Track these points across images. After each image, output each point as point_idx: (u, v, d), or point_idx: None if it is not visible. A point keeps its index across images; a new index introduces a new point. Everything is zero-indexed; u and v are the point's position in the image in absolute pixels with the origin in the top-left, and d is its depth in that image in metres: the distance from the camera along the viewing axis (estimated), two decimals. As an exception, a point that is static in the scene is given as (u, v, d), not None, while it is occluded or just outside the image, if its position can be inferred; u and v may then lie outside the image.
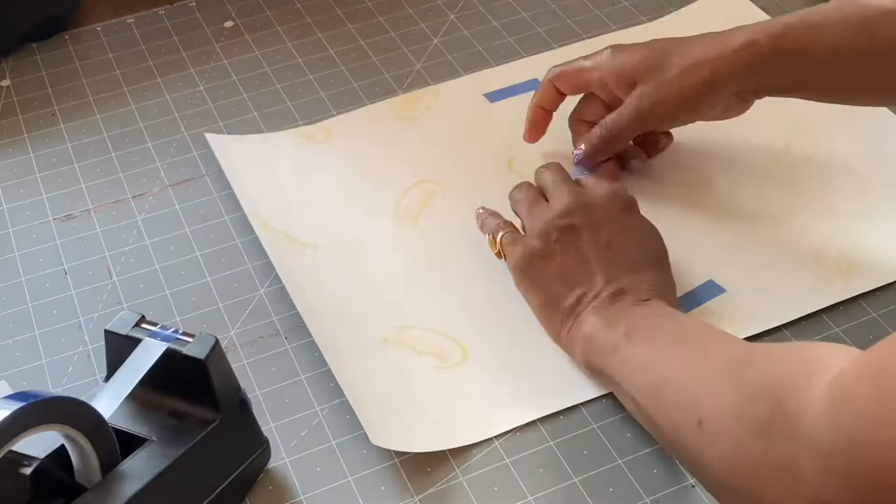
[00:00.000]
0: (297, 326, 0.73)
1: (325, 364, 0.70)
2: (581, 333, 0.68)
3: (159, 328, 0.60)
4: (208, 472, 0.61)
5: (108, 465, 0.57)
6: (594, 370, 0.67)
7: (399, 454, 0.66)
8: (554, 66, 0.82)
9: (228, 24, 1.01)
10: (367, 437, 0.66)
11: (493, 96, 0.91)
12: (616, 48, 0.80)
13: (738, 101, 0.78)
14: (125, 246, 0.80)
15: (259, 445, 0.65)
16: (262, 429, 0.65)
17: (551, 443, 0.67)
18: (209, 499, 0.61)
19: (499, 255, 0.75)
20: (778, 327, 0.72)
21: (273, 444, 0.66)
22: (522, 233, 0.74)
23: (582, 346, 0.68)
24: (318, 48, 0.98)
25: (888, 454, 0.44)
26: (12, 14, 0.96)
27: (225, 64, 0.97)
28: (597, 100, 0.81)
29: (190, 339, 0.59)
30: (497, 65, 0.95)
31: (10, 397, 0.52)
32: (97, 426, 0.56)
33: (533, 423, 0.68)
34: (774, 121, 0.87)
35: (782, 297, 0.74)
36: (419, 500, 0.64)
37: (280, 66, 0.96)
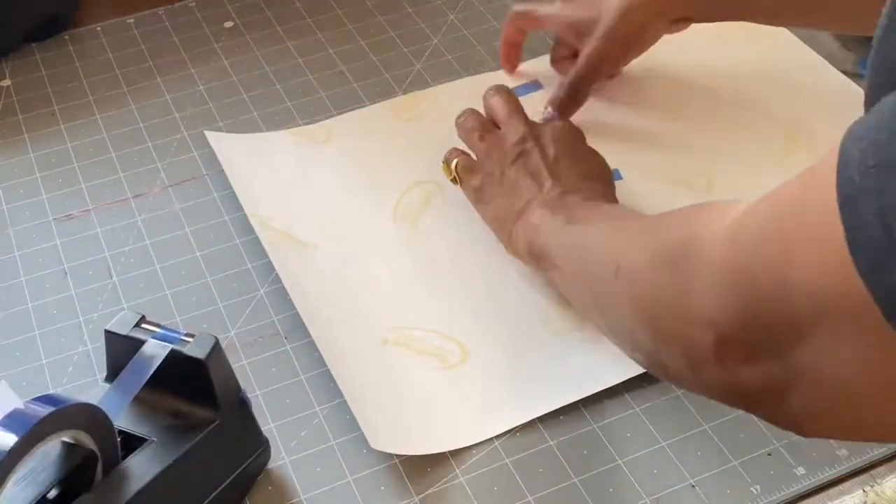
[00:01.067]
0: (297, 326, 0.73)
1: (325, 364, 0.70)
2: (529, 224, 0.72)
3: (159, 328, 0.60)
4: (208, 472, 0.61)
5: (109, 465, 0.57)
6: (535, 254, 0.71)
7: (399, 454, 0.66)
8: (514, 8, 0.90)
9: (228, 24, 1.01)
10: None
11: None
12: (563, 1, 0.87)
13: (676, 27, 0.84)
14: (125, 246, 0.80)
15: (259, 445, 0.65)
16: (262, 429, 0.65)
17: (551, 443, 0.67)
18: (209, 499, 0.61)
19: (454, 180, 0.79)
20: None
21: (273, 444, 0.66)
22: (474, 157, 0.79)
23: (526, 235, 0.72)
24: (318, 48, 0.98)
25: (768, 272, 0.46)
26: (12, 14, 0.96)
27: (225, 64, 0.97)
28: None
29: (190, 339, 0.59)
30: (497, 65, 0.95)
31: (34, 401, 0.52)
32: (105, 429, 0.56)
33: (533, 422, 0.68)
34: (774, 121, 0.87)
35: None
36: (419, 500, 0.64)
37: (280, 66, 0.96)
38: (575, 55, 0.87)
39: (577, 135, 0.79)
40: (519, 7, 0.90)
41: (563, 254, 0.69)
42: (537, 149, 0.75)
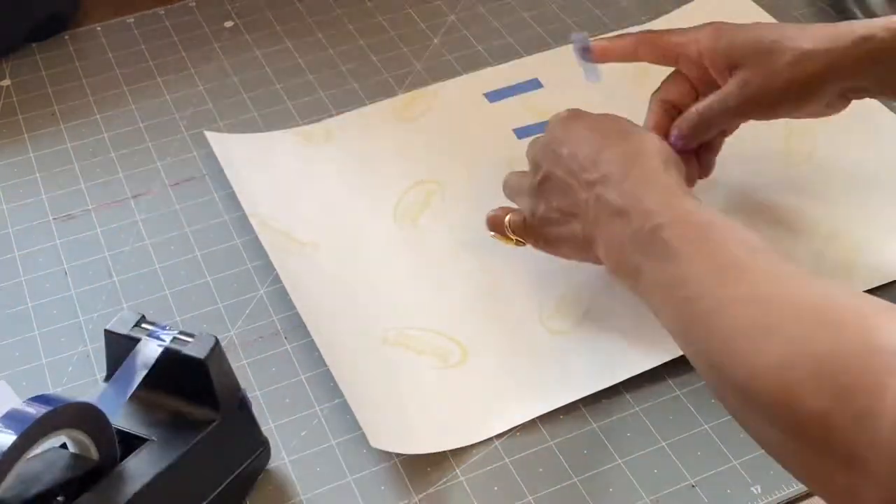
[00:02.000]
0: (297, 326, 0.73)
1: (325, 364, 0.70)
2: (602, 251, 0.66)
3: (159, 328, 0.60)
4: (208, 472, 0.61)
5: (108, 464, 0.57)
6: (627, 276, 0.64)
7: (399, 454, 0.66)
8: (645, 31, 0.77)
9: (228, 24, 1.01)
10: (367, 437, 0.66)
11: (493, 96, 0.91)
12: (718, 25, 0.73)
13: (839, 100, 0.72)
14: (125, 246, 0.80)
15: (259, 445, 0.65)
16: (262, 429, 0.65)
17: (551, 443, 0.67)
18: (209, 499, 0.61)
19: (518, 243, 0.74)
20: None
21: (273, 444, 0.66)
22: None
23: (609, 262, 0.66)
24: (318, 48, 0.98)
25: None
26: (12, 14, 0.96)
27: (225, 64, 0.97)
28: (685, 80, 0.75)
29: (190, 339, 0.59)
30: (497, 65, 0.95)
31: (31, 401, 0.52)
32: (103, 429, 0.56)
33: (533, 422, 0.68)
34: (774, 121, 0.87)
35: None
36: (419, 500, 0.64)
37: (280, 66, 0.96)
38: (688, 91, 0.75)
39: (569, 117, 0.71)
40: (654, 31, 0.76)
41: (661, 295, 0.60)
42: (551, 164, 0.69)
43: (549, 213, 0.70)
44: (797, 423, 0.47)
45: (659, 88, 0.76)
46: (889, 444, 0.43)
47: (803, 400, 0.47)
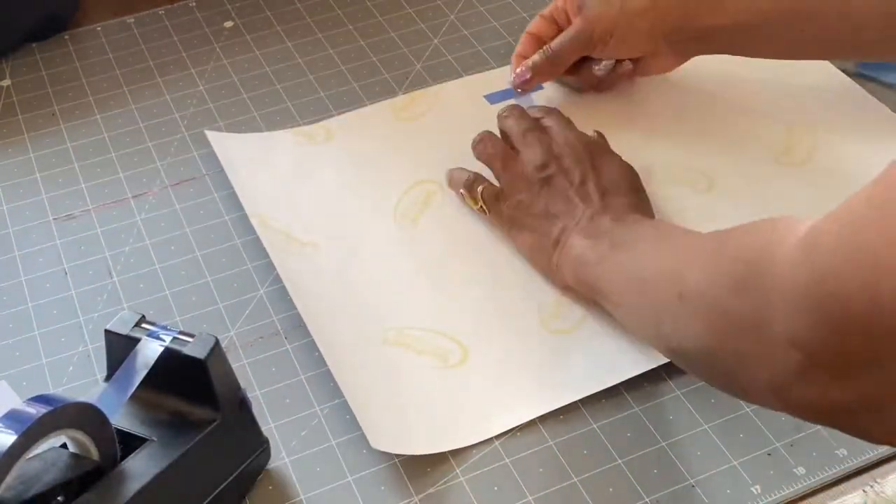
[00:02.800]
0: (297, 326, 0.73)
1: (325, 364, 0.70)
2: (570, 256, 0.71)
3: (159, 328, 0.60)
4: (208, 471, 0.61)
5: (108, 464, 0.57)
6: (584, 285, 0.71)
7: (399, 454, 0.66)
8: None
9: (228, 24, 1.01)
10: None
11: (494, 97, 0.91)
12: None
13: (669, 48, 0.84)
14: (125, 246, 0.80)
15: (259, 445, 0.65)
16: (262, 429, 0.65)
17: (551, 443, 0.67)
18: (209, 499, 0.61)
19: (481, 210, 0.78)
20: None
21: (273, 444, 0.66)
22: (496, 183, 0.78)
23: (572, 267, 0.71)
24: (318, 48, 0.98)
25: (855, 286, 0.45)
26: (12, 14, 0.96)
27: (225, 64, 0.97)
28: (554, 22, 0.87)
29: (190, 339, 0.59)
30: (497, 65, 0.95)
31: (30, 401, 0.52)
32: (102, 428, 0.56)
33: (533, 422, 0.68)
34: (774, 121, 0.87)
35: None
36: (419, 500, 0.64)
37: (280, 66, 0.96)
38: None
39: (597, 147, 0.78)
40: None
41: (619, 287, 0.68)
42: (561, 172, 0.75)
43: (535, 207, 0.75)
44: (722, 327, 0.54)
45: (530, 24, 0.89)
46: (783, 287, 0.49)
47: (725, 306, 0.54)
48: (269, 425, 0.68)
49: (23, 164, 0.87)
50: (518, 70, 0.86)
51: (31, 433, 0.51)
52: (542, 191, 0.75)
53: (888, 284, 0.43)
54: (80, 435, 0.55)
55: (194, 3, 1.03)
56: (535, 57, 0.86)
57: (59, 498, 0.55)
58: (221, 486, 0.62)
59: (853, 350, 0.46)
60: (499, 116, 0.81)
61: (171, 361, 0.59)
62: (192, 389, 0.60)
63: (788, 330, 0.48)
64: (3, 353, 0.73)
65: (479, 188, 0.78)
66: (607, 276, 0.68)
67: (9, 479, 0.51)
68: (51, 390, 0.70)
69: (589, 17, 0.83)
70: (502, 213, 0.77)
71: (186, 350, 0.59)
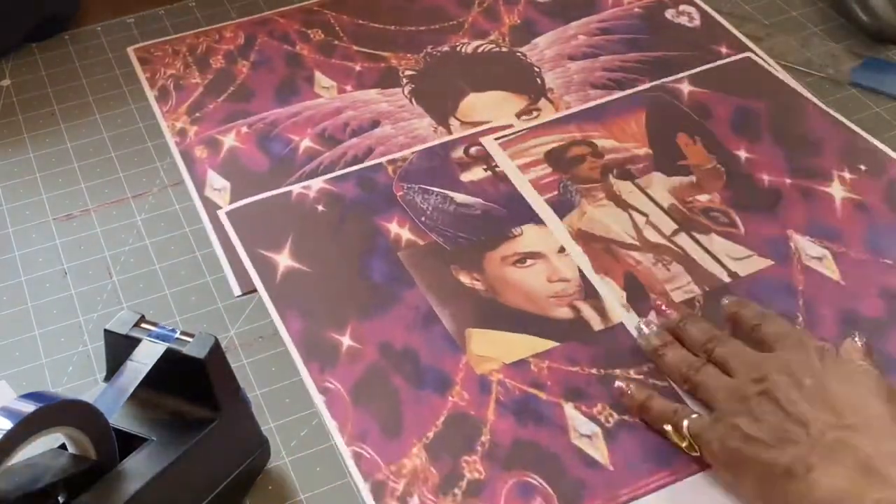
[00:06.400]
0: (297, 326, 0.73)
1: (325, 364, 0.70)
2: (816, 496, 0.57)
3: (159, 328, 0.60)
4: (208, 471, 0.61)
5: (106, 464, 0.57)
6: None
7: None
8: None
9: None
10: (367, 437, 0.66)
11: None
12: None
13: None
14: (125, 246, 0.80)
15: (258, 445, 0.65)
16: (262, 429, 0.65)
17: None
18: (209, 499, 0.61)
19: (690, 448, 0.64)
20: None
21: (273, 444, 0.66)
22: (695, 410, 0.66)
23: None
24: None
25: None
26: (12, 14, 0.96)
27: (225, 64, 0.97)
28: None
29: (190, 339, 0.59)
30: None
31: (23, 398, 0.52)
32: (100, 428, 0.56)
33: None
34: None
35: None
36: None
37: (280, 66, 0.96)
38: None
39: (819, 350, 0.64)
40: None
41: None
42: (781, 383, 0.61)
43: (757, 431, 0.60)
44: None
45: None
46: None
47: None
48: (269, 425, 0.68)
49: (23, 164, 0.87)
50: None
51: (22, 430, 0.51)
52: (757, 405, 0.61)
53: None
54: (78, 435, 0.55)
55: (194, 4, 1.03)
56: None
57: (58, 498, 0.55)
58: (221, 486, 0.62)
59: None
60: (679, 324, 0.69)
61: (170, 361, 0.59)
62: (191, 389, 0.60)
63: None
64: (2, 353, 0.73)
65: (686, 422, 0.64)
66: None
67: (8, 478, 0.51)
68: (51, 390, 0.70)
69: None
70: (715, 449, 0.62)
71: (186, 350, 0.59)
